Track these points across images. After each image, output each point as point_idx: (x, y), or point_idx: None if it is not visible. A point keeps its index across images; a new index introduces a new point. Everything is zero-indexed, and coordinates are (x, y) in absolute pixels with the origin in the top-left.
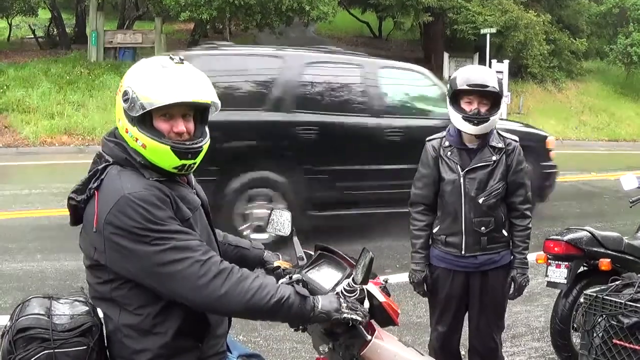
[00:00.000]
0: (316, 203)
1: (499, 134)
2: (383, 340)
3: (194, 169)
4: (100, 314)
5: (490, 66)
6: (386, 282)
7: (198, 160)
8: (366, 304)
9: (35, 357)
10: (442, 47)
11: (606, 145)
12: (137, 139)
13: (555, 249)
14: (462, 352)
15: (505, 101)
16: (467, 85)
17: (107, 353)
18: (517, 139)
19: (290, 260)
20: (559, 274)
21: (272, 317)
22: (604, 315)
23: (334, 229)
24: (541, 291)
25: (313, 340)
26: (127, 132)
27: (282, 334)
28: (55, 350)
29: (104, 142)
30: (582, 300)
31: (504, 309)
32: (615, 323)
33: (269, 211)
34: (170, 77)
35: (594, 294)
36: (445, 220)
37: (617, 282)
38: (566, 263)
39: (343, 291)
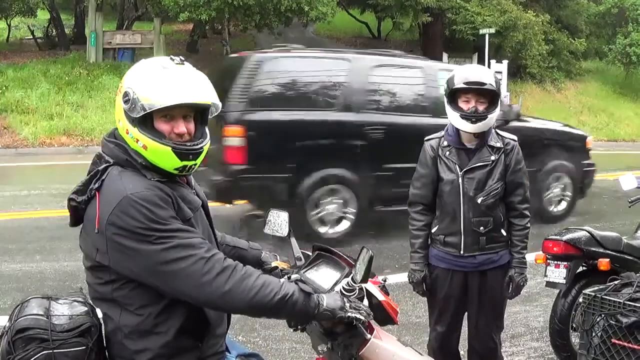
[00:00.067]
0: (383, 199)
1: (497, 133)
2: (382, 340)
3: (194, 170)
4: (99, 314)
5: (489, 66)
6: (385, 281)
7: (199, 161)
8: (365, 302)
9: (34, 357)
10: (441, 47)
11: (605, 145)
12: (138, 140)
13: (554, 248)
14: (462, 352)
15: (504, 101)
16: (464, 83)
17: (106, 353)
18: (515, 138)
19: (288, 261)
20: (558, 274)
21: (276, 315)
22: (603, 315)
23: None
24: (540, 291)
25: (312, 340)
26: (127, 133)
27: (281, 334)
28: (54, 351)
29: (104, 142)
30: (581, 300)
31: (503, 309)
32: (614, 322)
33: (267, 212)
34: (171, 78)
35: (593, 294)
36: (444, 220)
37: (615, 282)
38: (565, 263)
39: (342, 290)
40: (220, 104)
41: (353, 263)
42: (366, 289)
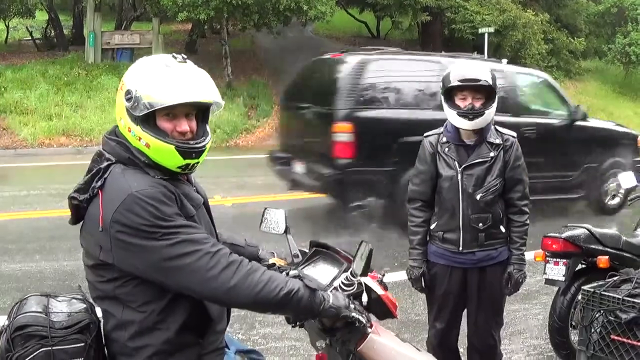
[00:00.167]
0: None
1: (496, 129)
2: (380, 336)
3: (196, 168)
4: (98, 311)
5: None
6: (383, 275)
7: (201, 159)
8: (364, 297)
9: (33, 354)
10: (440, 46)
11: None
12: (141, 138)
13: (554, 246)
14: (461, 350)
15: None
16: (459, 81)
17: (105, 350)
18: (514, 134)
19: (285, 258)
20: (557, 271)
21: (281, 310)
22: (602, 311)
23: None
24: (539, 289)
25: (310, 336)
26: (129, 131)
27: (280, 332)
28: (53, 348)
29: (105, 140)
30: (580, 297)
31: (502, 305)
32: (613, 319)
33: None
34: (174, 77)
35: (592, 290)
36: (443, 217)
37: (614, 278)
38: (564, 260)
39: (341, 285)
40: (222, 103)
41: (351, 258)
42: (365, 284)
